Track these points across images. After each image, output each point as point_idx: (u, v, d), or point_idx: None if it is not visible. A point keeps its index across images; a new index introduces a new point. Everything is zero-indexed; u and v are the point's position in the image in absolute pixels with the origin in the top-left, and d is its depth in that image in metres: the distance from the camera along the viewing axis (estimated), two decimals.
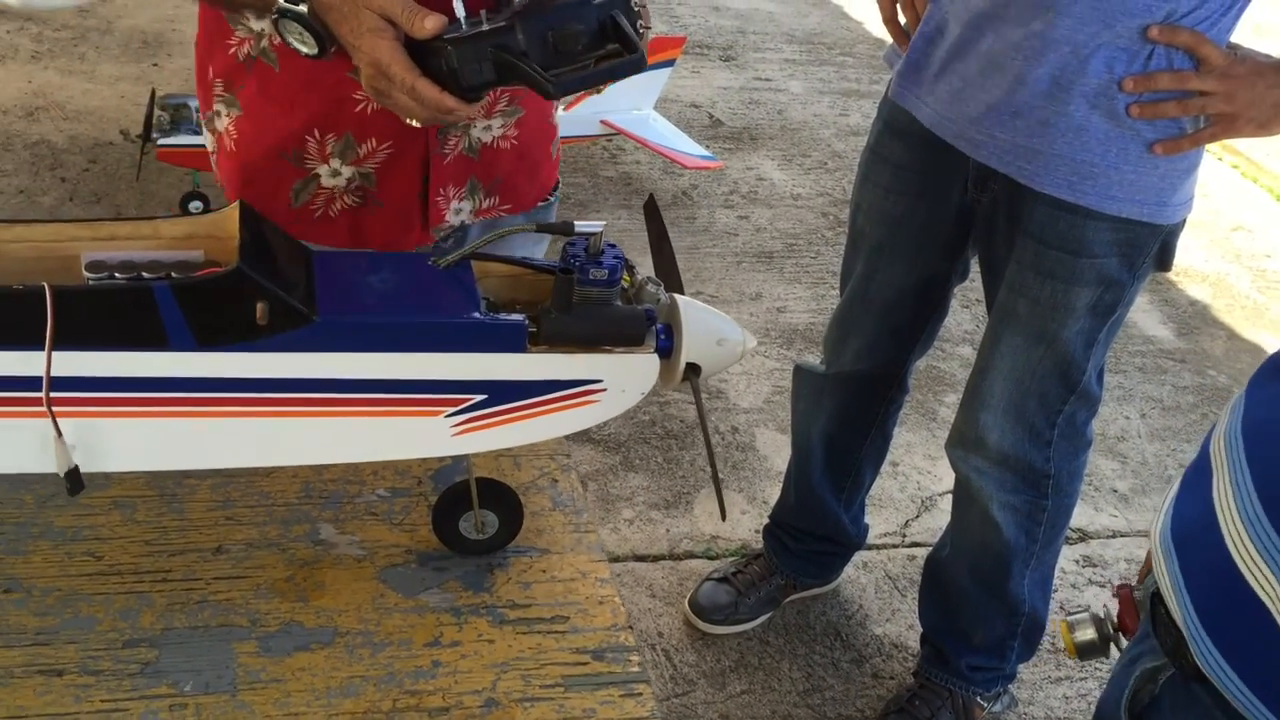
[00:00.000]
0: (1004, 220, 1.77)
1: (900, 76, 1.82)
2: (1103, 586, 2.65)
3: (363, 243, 1.42)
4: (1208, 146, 1.66)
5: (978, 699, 2.16)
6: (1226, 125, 1.57)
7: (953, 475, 2.92)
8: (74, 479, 0.95)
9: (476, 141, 1.40)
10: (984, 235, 1.85)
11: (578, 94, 3.87)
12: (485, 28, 1.07)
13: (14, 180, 3.58)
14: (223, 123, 1.40)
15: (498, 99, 1.38)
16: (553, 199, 1.57)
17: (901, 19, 1.82)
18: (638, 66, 1.10)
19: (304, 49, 1.16)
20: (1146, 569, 1.26)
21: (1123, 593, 1.21)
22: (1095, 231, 1.66)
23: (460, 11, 1.08)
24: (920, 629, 2.26)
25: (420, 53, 1.09)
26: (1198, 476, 1.01)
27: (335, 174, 1.36)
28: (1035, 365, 1.80)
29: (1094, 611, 1.22)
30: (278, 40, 1.22)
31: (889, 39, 1.88)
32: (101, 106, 4.07)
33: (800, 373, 2.27)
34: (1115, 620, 1.20)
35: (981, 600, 2.06)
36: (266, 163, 1.37)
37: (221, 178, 1.46)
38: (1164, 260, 1.73)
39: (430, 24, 1.07)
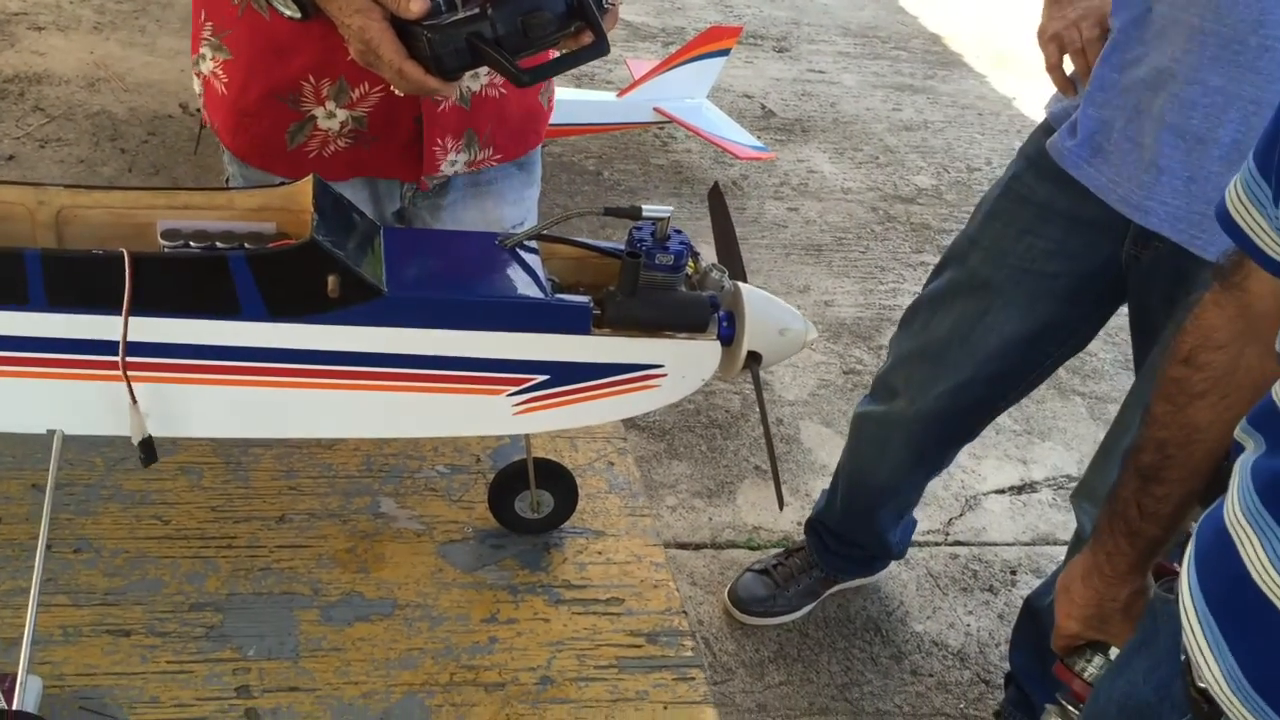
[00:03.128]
0: (1166, 279, 1.68)
1: (1066, 139, 1.72)
2: None
3: (361, 175, 1.49)
4: None
5: None
6: None
7: (999, 475, 2.93)
8: (148, 449, 0.97)
9: (467, 90, 1.43)
10: (1139, 290, 1.75)
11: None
12: (460, 15, 1.14)
13: (75, 150, 3.63)
14: (208, 65, 1.44)
15: None
16: (537, 146, 1.61)
17: (1068, 68, 1.72)
18: (599, 53, 1.20)
19: (288, 12, 1.24)
20: (1065, 642, 1.21)
21: (1059, 669, 1.21)
22: None
23: None
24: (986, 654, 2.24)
25: (404, 32, 1.17)
26: (1252, 613, 0.88)
27: (330, 116, 1.41)
28: None
29: (1052, 707, 1.21)
30: None
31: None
32: (161, 79, 4.12)
33: (863, 419, 2.16)
34: (1075, 699, 1.18)
35: None
36: (261, 105, 1.41)
37: (213, 119, 1.50)
38: None
39: (416, 7, 1.13)
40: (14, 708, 0.88)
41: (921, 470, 2.20)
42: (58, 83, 4.00)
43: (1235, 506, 0.90)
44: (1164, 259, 1.66)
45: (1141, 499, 1.12)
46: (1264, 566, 0.86)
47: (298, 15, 1.23)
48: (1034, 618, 2.10)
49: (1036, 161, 1.79)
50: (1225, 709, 0.90)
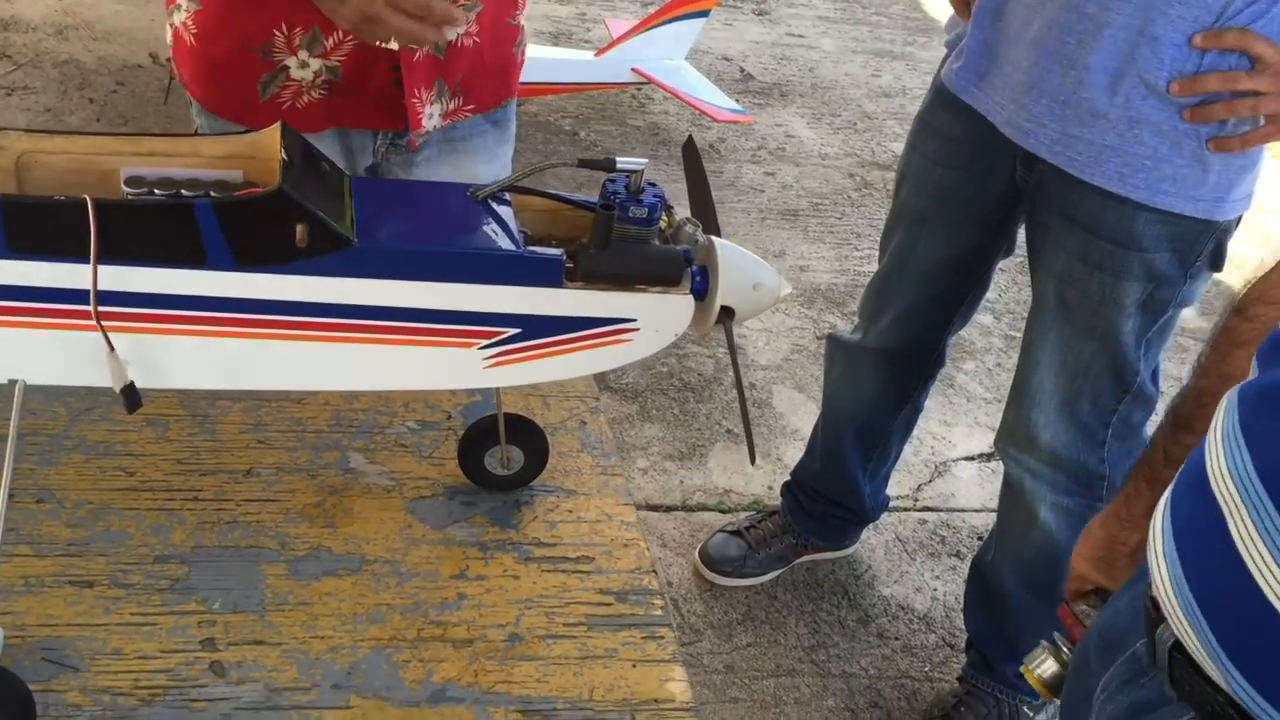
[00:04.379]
0: (1051, 204, 1.72)
1: (953, 61, 1.79)
2: None
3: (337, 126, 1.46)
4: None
5: (1024, 708, 2.10)
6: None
7: (969, 442, 2.94)
8: (130, 395, 0.95)
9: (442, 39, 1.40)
10: (1030, 215, 1.80)
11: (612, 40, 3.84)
12: None
13: (42, 98, 3.57)
14: (180, 16, 1.41)
15: None
16: (511, 101, 1.59)
17: None
18: None
19: None
20: (1075, 585, 1.23)
21: (1062, 611, 1.22)
22: (1145, 225, 1.61)
23: None
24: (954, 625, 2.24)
25: None
26: (1201, 518, 0.90)
27: (303, 66, 1.38)
28: (1087, 363, 1.75)
29: (1045, 644, 1.21)
30: None
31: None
32: (131, 28, 4.04)
33: (835, 342, 2.24)
34: (1070, 644, 1.19)
35: (1030, 606, 2.00)
36: (232, 56, 1.38)
37: (182, 72, 1.47)
38: (1217, 260, 1.68)
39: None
40: None
41: (889, 403, 2.22)
42: (25, 30, 3.92)
43: (1217, 430, 0.92)
44: (1047, 180, 1.70)
45: (1170, 445, 1.14)
46: (1221, 472, 0.87)
47: None
48: (981, 577, 2.13)
49: (941, 93, 1.84)
50: (1166, 613, 0.92)
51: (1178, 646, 0.92)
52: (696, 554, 2.41)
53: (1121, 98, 1.55)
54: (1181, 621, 0.89)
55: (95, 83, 3.70)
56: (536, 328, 1.03)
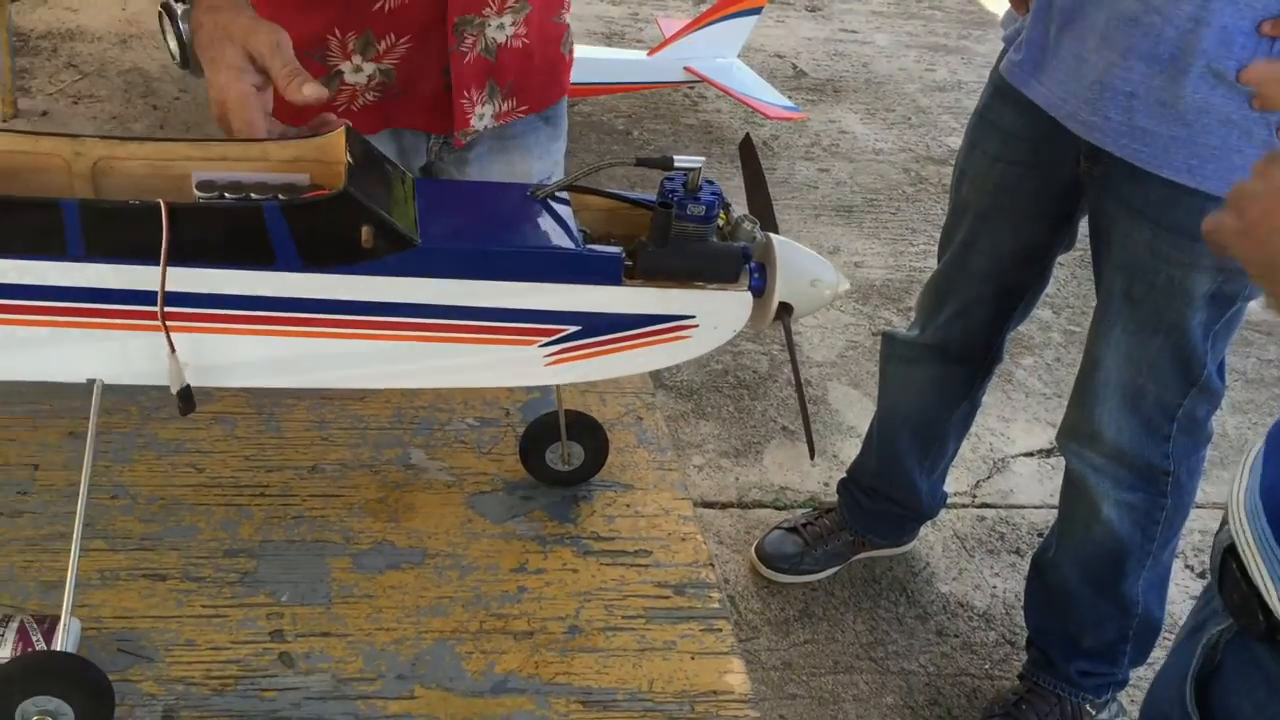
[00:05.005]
0: (1118, 197, 1.71)
1: (1013, 54, 1.78)
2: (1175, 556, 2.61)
3: (390, 128, 1.47)
4: None
5: (1086, 706, 2.09)
6: None
7: (1028, 438, 2.91)
8: (186, 398, 0.98)
9: (492, 42, 1.42)
10: (1096, 208, 1.79)
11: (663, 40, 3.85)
12: None
13: (107, 106, 3.65)
14: None
15: None
16: (562, 99, 1.60)
17: None
18: None
19: (171, 47, 1.15)
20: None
21: None
22: None
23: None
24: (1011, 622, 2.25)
25: None
26: None
27: (357, 70, 1.39)
28: (1153, 357, 1.73)
29: None
30: None
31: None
32: None
33: (890, 340, 2.24)
34: None
35: (1092, 602, 2.00)
36: None
37: None
38: None
39: (310, 92, 1.04)
40: (56, 649, 0.89)
41: (947, 400, 2.21)
42: (90, 39, 4.02)
43: None
44: (1113, 173, 1.69)
45: None
46: None
47: (176, 59, 1.17)
48: (1041, 574, 2.11)
49: (1001, 88, 1.83)
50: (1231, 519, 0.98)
51: (1230, 550, 0.97)
52: (753, 551, 2.42)
53: (1189, 88, 1.53)
54: (1240, 517, 0.95)
55: (159, 90, 3.78)
56: (596, 325, 1.04)
